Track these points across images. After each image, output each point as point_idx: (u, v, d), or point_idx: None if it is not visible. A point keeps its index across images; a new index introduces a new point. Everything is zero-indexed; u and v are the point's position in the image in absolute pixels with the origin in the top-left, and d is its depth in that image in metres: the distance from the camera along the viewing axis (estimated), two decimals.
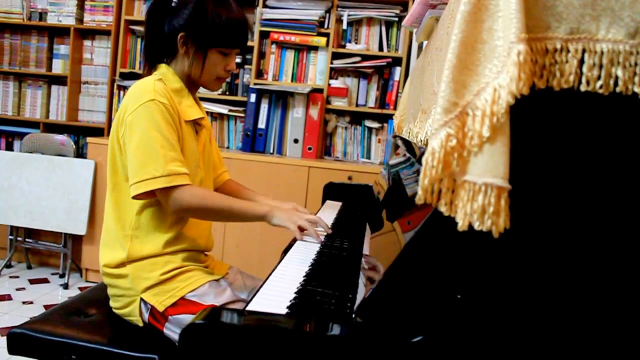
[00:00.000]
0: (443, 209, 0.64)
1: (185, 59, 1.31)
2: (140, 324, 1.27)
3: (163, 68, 1.33)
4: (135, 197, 1.20)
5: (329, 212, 1.74)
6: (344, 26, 2.92)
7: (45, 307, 2.64)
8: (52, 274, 3.12)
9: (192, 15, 1.27)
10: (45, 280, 3.02)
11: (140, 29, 3.08)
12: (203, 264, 1.37)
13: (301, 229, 1.29)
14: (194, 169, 1.32)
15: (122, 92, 3.15)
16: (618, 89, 0.63)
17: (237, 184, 1.66)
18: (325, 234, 1.34)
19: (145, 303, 1.25)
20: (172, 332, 1.23)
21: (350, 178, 2.66)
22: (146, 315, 1.25)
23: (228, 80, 3.07)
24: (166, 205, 1.21)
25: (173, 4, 1.29)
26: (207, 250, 1.43)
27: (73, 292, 2.87)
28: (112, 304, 1.32)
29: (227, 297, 1.28)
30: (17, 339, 1.22)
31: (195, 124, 1.35)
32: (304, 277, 1.03)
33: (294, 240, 1.32)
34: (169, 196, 1.19)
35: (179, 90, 1.31)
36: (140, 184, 1.17)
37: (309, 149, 2.90)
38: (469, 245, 0.70)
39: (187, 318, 1.20)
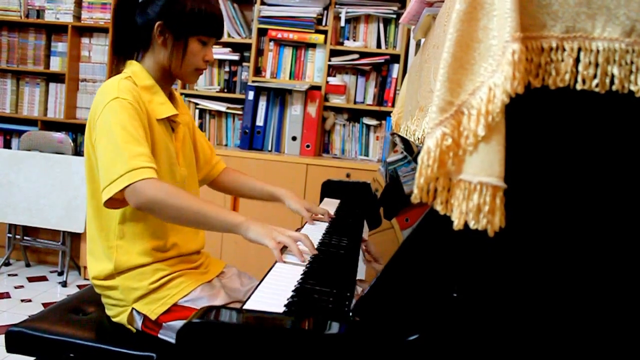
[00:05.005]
0: (439, 207, 0.64)
1: (162, 49, 1.26)
2: (134, 331, 1.25)
3: (132, 65, 1.28)
4: (106, 205, 1.13)
5: (327, 209, 1.74)
6: (342, 23, 2.92)
7: (44, 305, 2.64)
8: (51, 272, 3.12)
9: (169, 3, 1.23)
10: (43, 278, 3.02)
11: None
12: (195, 264, 1.34)
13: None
14: (171, 167, 1.28)
15: None
16: (614, 88, 0.63)
17: (236, 171, 1.62)
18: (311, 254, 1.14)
19: (138, 312, 1.22)
20: (167, 337, 1.21)
21: (348, 175, 2.66)
22: (139, 324, 1.23)
23: (226, 77, 3.06)
24: (129, 201, 1.11)
25: None
26: (198, 250, 1.38)
27: (71, 290, 2.87)
28: (107, 311, 1.30)
29: (222, 300, 1.26)
30: (15, 337, 1.21)
31: (170, 121, 1.30)
32: (301, 275, 1.03)
33: None
34: (131, 189, 1.09)
35: (149, 87, 1.26)
36: (108, 187, 1.10)
37: (307, 146, 2.89)
38: (465, 244, 0.70)
39: (181, 324, 1.17)
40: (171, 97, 1.36)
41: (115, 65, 1.32)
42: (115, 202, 1.14)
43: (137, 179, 1.09)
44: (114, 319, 1.28)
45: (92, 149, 1.20)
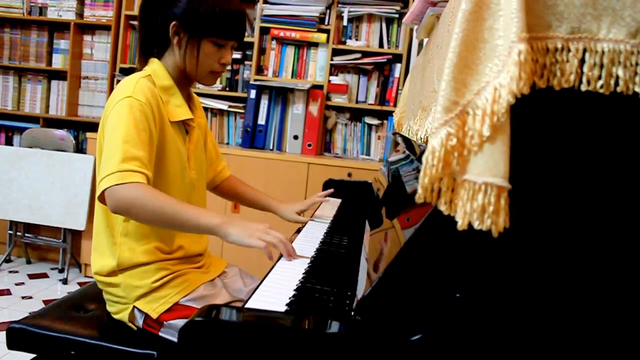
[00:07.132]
0: (443, 207, 0.64)
1: (177, 50, 1.25)
2: (134, 329, 1.24)
3: (154, 63, 1.27)
4: (99, 199, 1.10)
5: (329, 208, 1.74)
6: (345, 22, 2.91)
7: (45, 302, 2.64)
8: (52, 269, 3.13)
9: (187, 3, 1.22)
10: (44, 275, 3.02)
11: None
12: (197, 264, 1.34)
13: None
14: (182, 170, 1.28)
15: None
16: (619, 89, 0.63)
17: (240, 181, 1.63)
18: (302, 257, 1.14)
19: (140, 310, 1.22)
20: (168, 335, 1.21)
21: (349, 175, 2.66)
22: (140, 322, 1.22)
23: (228, 76, 3.06)
24: (107, 203, 1.08)
25: None
26: (201, 253, 1.38)
27: (72, 287, 2.87)
28: (108, 307, 1.29)
29: (224, 299, 1.26)
30: (16, 334, 1.21)
31: (185, 124, 1.30)
32: (303, 274, 1.03)
33: (294, 237, 1.32)
34: (110, 191, 1.06)
35: (167, 88, 1.25)
36: (99, 184, 1.08)
37: (309, 145, 2.89)
38: (468, 244, 0.70)
39: (183, 323, 1.16)
40: (189, 99, 1.35)
41: (138, 62, 1.31)
42: (102, 197, 1.11)
43: (120, 181, 1.06)
44: (114, 316, 1.27)
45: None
